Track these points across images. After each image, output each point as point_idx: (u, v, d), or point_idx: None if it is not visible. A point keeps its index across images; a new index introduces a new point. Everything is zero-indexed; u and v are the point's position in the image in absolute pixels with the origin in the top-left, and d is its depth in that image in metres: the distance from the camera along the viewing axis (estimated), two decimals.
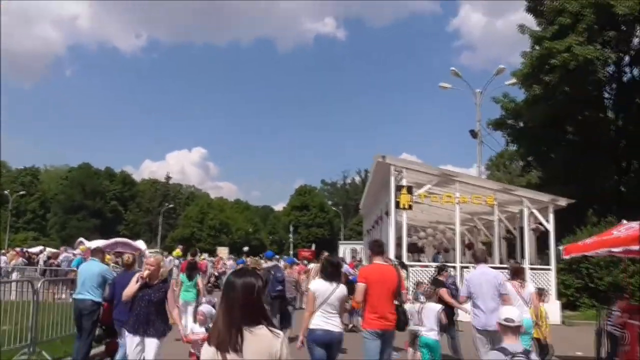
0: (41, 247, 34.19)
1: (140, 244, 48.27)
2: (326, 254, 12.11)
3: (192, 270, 11.48)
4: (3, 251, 27.06)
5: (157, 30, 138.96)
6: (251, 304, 2.52)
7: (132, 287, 6.26)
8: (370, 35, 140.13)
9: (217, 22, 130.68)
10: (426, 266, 17.48)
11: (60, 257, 19.28)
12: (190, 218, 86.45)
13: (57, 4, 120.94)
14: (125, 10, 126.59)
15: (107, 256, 13.22)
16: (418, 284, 10.77)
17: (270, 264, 12.85)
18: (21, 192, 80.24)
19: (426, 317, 8.13)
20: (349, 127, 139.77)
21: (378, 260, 6.64)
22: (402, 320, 6.49)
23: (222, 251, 55.47)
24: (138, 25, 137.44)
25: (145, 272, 6.32)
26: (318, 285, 6.07)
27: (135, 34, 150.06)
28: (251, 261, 14.97)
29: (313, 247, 58.64)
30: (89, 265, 8.32)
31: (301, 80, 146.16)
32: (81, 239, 51.68)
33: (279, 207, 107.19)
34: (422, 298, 8.99)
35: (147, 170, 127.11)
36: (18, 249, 29.89)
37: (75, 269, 16.93)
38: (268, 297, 10.35)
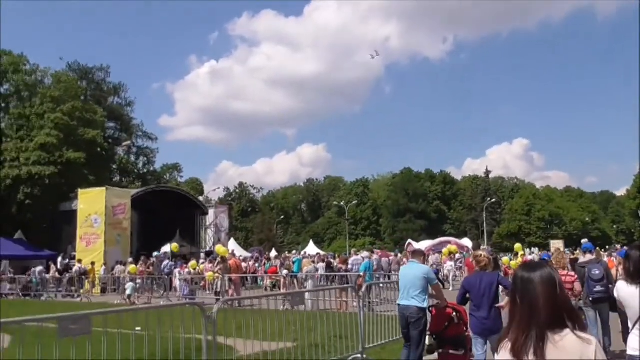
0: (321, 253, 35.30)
1: (466, 241, 47.07)
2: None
3: None
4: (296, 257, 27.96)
5: (461, 30, 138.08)
6: (554, 302, 2.14)
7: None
8: None
9: (521, 4, 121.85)
10: None
11: (350, 261, 18.28)
12: (515, 211, 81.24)
13: (370, 30, 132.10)
14: (429, 18, 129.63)
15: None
16: None
17: (587, 257, 9.71)
18: (354, 202, 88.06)
19: None
20: None
21: None
22: None
23: (556, 244, 51.17)
24: (443, 30, 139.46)
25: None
26: (623, 290, 4.05)
27: (442, 39, 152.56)
28: (555, 251, 11.44)
29: None
30: (410, 268, 7.93)
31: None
32: (409, 240, 53.07)
33: (621, 192, 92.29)
34: None
35: (469, 169, 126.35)
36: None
37: (361, 273, 16.07)
38: (588, 299, 8.55)
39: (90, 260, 27.79)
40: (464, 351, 7.38)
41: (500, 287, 6.84)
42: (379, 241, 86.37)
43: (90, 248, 30.29)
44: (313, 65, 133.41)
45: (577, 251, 21.60)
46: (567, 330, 2.13)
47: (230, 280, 18.11)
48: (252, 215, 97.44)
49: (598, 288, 8.47)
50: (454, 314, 7.65)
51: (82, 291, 23.59)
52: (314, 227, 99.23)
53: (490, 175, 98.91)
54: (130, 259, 23.37)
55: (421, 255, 8.31)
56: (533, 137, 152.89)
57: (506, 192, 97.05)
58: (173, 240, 37.87)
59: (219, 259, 18.79)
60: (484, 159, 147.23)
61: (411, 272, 7.60)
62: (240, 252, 39.03)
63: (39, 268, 25.37)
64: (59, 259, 31.30)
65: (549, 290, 2.16)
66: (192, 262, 21.67)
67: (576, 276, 8.25)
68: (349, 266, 17.87)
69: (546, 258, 15.74)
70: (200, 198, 69.02)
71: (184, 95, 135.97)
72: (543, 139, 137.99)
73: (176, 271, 21.66)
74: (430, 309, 7.64)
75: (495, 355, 2.32)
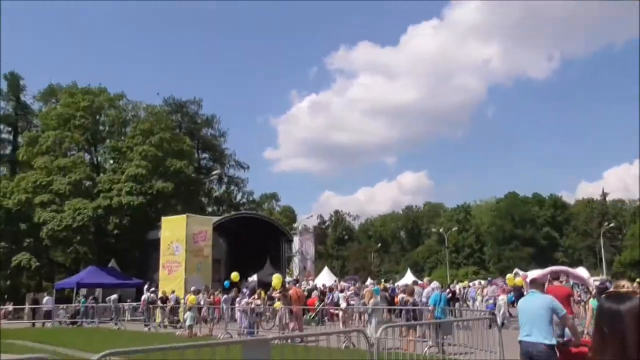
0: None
1: (582, 271, 42.18)
2: None
3: None
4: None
5: (568, 46, 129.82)
6: None
7: None
8: None
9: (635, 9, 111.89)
10: None
11: (424, 293, 15.88)
12: (637, 237, 72.53)
13: (470, 52, 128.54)
14: (534, 36, 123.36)
15: None
16: None
17: None
18: (454, 229, 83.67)
19: None
20: None
21: None
22: None
23: None
24: (548, 46, 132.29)
25: None
26: None
27: (547, 57, 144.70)
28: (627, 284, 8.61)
29: None
30: (531, 299, 7.12)
31: None
32: (517, 269, 48.85)
33: None
34: None
35: (583, 193, 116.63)
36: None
37: (430, 307, 13.72)
38: None
39: (171, 288, 27.65)
40: None
41: None
42: (483, 270, 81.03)
43: (172, 276, 30.22)
44: (412, 92, 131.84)
45: None
46: None
47: (290, 312, 16.54)
48: (348, 243, 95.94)
49: None
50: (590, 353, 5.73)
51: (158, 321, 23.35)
52: (413, 256, 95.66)
53: (608, 198, 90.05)
54: (193, 288, 22.62)
55: (542, 285, 7.70)
56: None
57: (627, 216, 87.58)
58: (263, 268, 37.47)
59: (278, 290, 17.30)
60: (600, 181, 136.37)
61: (535, 303, 6.82)
62: (326, 280, 37.67)
63: (114, 296, 25.48)
64: (145, 287, 31.70)
65: (637, 324, 2.03)
66: (259, 291, 20.34)
67: None
68: (422, 298, 15.59)
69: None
70: (295, 226, 69.09)
71: (287, 128, 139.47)
72: None
73: (242, 301, 20.44)
74: (562, 347, 6.69)
75: None
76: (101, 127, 43.37)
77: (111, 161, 40.73)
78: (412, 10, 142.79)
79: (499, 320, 9.05)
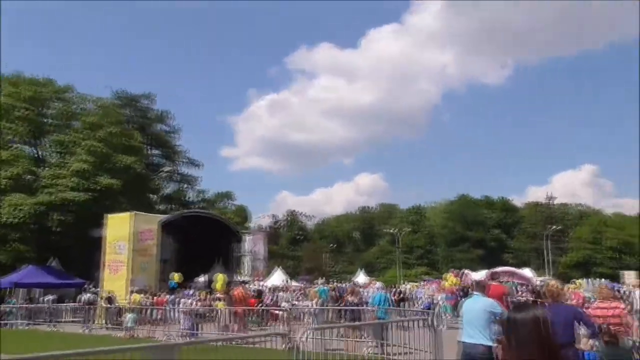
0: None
1: (527, 271, 43.42)
2: None
3: None
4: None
5: (521, 53, 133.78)
6: (541, 343, 2.27)
7: None
8: None
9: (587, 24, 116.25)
10: None
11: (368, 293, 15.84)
12: (582, 240, 75.39)
13: (427, 58, 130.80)
14: (489, 44, 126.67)
15: None
16: None
17: None
18: (407, 229, 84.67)
19: None
20: None
21: None
22: None
23: (630, 275, 46.85)
24: (503, 55, 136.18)
25: None
26: None
27: (500, 65, 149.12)
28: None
29: None
30: (474, 302, 7.31)
31: None
32: (466, 270, 49.75)
33: None
34: None
35: (532, 197, 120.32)
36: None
37: (373, 307, 13.70)
38: None
39: (114, 288, 26.77)
40: None
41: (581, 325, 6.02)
42: (434, 271, 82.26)
43: (116, 276, 29.21)
44: (371, 95, 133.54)
45: None
46: None
47: (233, 313, 16.16)
48: (302, 243, 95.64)
49: None
50: None
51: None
52: (366, 256, 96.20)
53: (555, 202, 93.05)
54: (136, 288, 21.86)
55: (483, 287, 7.87)
56: (602, 162, 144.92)
57: (572, 220, 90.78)
58: (214, 268, 36.66)
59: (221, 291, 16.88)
60: (548, 186, 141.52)
61: (476, 306, 7.00)
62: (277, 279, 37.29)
63: (50, 297, 24.46)
64: (84, 287, 30.56)
65: (533, 331, 2.26)
66: (202, 292, 19.83)
67: (623, 307, 7.21)
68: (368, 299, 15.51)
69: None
70: (249, 225, 68.30)
71: (245, 127, 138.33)
72: (613, 164, 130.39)
73: (184, 302, 19.89)
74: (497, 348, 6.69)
75: None
76: (46, 120, 41.53)
77: (56, 155, 39.05)
78: (373, 14, 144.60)
79: (434, 321, 9.01)
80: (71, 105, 41.82)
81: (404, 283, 42.31)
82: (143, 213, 32.54)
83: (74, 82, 50.80)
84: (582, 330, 6.14)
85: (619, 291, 24.99)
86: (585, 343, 5.69)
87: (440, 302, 19.47)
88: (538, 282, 26.69)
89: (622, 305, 7.26)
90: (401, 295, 23.95)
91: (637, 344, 6.88)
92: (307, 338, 5.44)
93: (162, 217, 34.77)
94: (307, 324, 15.29)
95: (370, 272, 71.77)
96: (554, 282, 6.72)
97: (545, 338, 2.23)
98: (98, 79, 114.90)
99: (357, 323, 12.64)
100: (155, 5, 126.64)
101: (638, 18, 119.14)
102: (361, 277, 53.49)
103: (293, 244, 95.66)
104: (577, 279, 20.63)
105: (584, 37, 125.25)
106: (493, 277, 13.27)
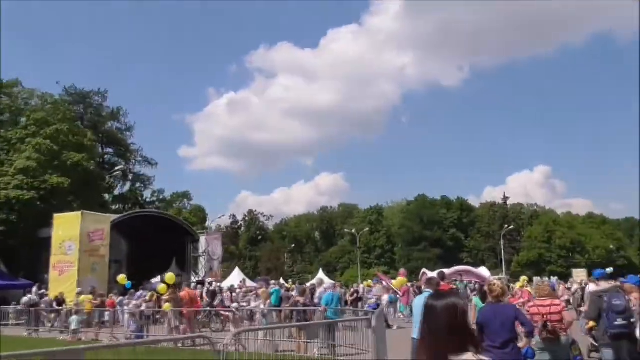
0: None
1: (483, 270, 44.16)
2: None
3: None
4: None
5: (478, 58, 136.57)
6: (455, 329, 2.35)
7: None
8: None
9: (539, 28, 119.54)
10: None
11: (317, 294, 15.70)
12: (535, 239, 77.48)
13: (386, 60, 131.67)
14: (446, 47, 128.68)
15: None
16: None
17: (603, 285, 8.02)
18: (366, 229, 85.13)
19: None
20: None
21: None
22: None
23: (579, 273, 48.32)
24: (459, 58, 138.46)
25: None
26: None
27: (457, 67, 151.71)
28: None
29: None
30: (423, 298, 7.16)
31: None
32: (424, 270, 50.29)
33: None
34: None
35: (488, 197, 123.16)
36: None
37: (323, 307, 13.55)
38: (606, 335, 7.24)
39: (63, 290, 25.77)
40: None
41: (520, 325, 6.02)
42: (393, 270, 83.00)
43: (63, 277, 28.15)
44: (330, 95, 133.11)
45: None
46: (470, 354, 2.31)
47: (181, 314, 15.70)
48: (261, 243, 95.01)
49: (619, 322, 7.14)
50: None
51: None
52: (326, 256, 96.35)
53: (509, 202, 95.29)
54: (80, 289, 21.09)
55: (436, 284, 8.01)
56: (555, 164, 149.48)
57: (525, 219, 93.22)
58: (169, 269, 35.75)
59: (169, 290, 16.38)
60: (503, 186, 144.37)
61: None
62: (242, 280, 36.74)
63: None
64: (34, 289, 29.33)
65: (448, 317, 2.34)
66: (150, 293, 19.20)
67: (563, 305, 7.26)
68: (316, 300, 15.31)
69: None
70: (207, 225, 67.16)
71: (204, 126, 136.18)
72: (565, 166, 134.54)
73: (130, 302, 19.23)
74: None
75: None
76: None
77: (0, 153, 37.33)
78: (332, 14, 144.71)
79: (373, 322, 8.87)
80: (17, 101, 40.16)
81: (361, 283, 42.43)
82: (93, 213, 31.47)
83: (21, 77, 48.92)
84: (519, 329, 6.16)
85: (568, 289, 25.63)
86: (520, 340, 5.71)
87: (384, 302, 19.52)
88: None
89: (559, 302, 7.36)
90: (357, 295, 23.87)
91: (571, 340, 6.96)
92: (231, 341, 5.19)
93: (114, 216, 33.78)
94: (258, 325, 15.00)
95: (330, 272, 71.85)
96: (497, 282, 6.73)
97: (459, 325, 2.31)
98: (46, 74, 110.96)
99: (302, 323, 12.42)
100: None
101: (638, 18, 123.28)
102: (321, 277, 53.41)
103: (252, 244, 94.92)
104: (529, 278, 20.96)
105: (536, 39, 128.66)
106: (440, 276, 13.22)
